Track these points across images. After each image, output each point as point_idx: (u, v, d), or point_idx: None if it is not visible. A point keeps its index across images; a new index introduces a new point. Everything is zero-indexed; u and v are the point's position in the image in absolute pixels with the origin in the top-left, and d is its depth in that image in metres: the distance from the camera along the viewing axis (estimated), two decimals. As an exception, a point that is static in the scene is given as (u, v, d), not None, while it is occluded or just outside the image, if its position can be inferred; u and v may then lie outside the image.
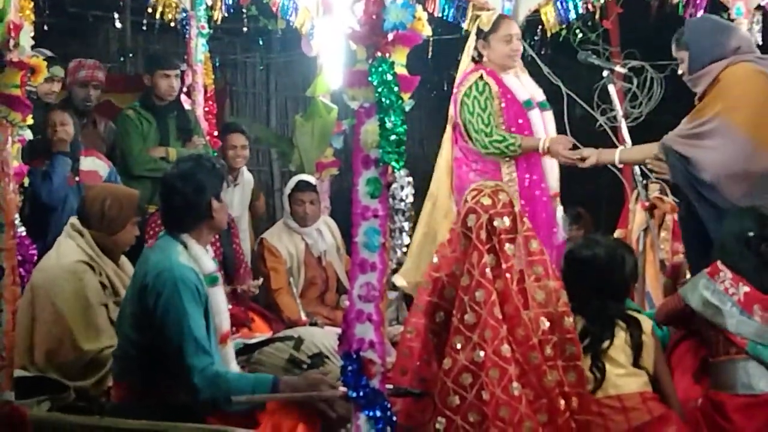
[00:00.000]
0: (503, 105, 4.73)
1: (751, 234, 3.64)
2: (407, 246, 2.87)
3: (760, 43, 5.31)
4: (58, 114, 5.12)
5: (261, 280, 5.33)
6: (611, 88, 5.30)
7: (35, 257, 4.31)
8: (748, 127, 3.95)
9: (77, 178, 5.11)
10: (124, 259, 4.29)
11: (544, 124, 4.83)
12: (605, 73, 5.32)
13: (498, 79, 4.79)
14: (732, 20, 5.27)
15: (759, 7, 5.28)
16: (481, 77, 4.75)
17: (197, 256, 3.42)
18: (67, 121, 5.09)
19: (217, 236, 5.10)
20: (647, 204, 5.29)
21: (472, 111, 4.70)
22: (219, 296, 3.46)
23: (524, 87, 4.89)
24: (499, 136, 4.65)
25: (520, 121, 4.74)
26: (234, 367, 3.52)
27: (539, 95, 4.92)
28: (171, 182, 3.47)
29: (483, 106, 4.69)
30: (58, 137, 5.01)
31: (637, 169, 5.14)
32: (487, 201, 3.36)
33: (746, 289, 3.61)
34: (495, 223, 3.32)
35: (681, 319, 3.82)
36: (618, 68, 5.33)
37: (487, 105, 4.70)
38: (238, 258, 5.40)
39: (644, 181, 5.21)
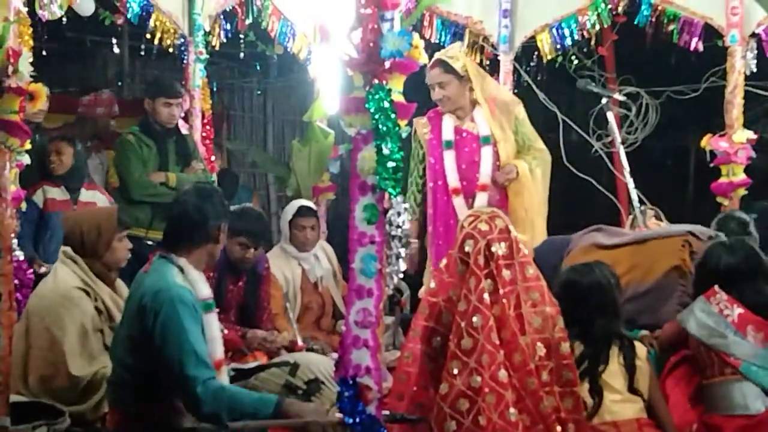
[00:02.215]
0: (428, 149, 5.03)
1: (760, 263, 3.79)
2: (403, 272, 2.88)
3: (755, 70, 5.35)
4: (55, 143, 5.22)
5: (276, 334, 5.07)
6: (610, 115, 5.33)
7: (32, 282, 4.31)
8: None
9: (74, 207, 5.17)
10: (120, 283, 4.27)
11: (475, 160, 4.97)
12: (604, 101, 5.35)
13: (437, 120, 5.03)
14: (727, 48, 5.33)
15: (753, 35, 5.31)
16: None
17: (193, 281, 3.41)
18: (63, 150, 5.16)
19: (243, 281, 5.03)
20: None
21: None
22: (213, 323, 3.45)
23: (458, 125, 5.04)
24: (409, 190, 5.12)
25: (437, 167, 5.00)
26: (229, 393, 3.49)
27: (484, 130, 5.01)
28: (188, 199, 3.48)
29: (413, 154, 5.11)
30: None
31: (634, 195, 5.15)
32: (484, 227, 3.35)
33: (740, 310, 3.66)
34: (492, 249, 3.31)
35: (679, 343, 3.87)
36: (616, 95, 5.36)
37: (415, 153, 5.11)
38: (262, 304, 5.11)
39: (642, 207, 5.21)
